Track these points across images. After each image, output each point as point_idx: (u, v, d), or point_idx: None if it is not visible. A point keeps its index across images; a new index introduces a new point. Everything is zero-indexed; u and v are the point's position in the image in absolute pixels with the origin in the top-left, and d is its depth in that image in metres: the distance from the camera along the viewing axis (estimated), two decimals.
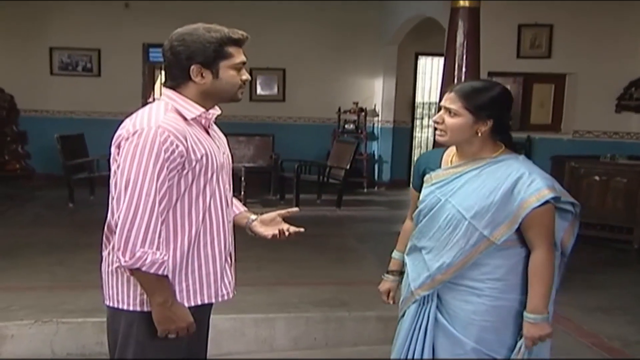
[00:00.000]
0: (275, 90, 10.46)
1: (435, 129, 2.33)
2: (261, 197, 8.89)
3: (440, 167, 2.40)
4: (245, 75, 2.11)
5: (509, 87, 7.49)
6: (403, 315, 2.47)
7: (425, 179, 2.42)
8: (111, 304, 2.09)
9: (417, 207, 2.45)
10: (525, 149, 7.56)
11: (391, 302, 2.66)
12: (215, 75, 2.04)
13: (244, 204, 8.24)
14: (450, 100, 2.25)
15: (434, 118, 2.32)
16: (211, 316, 4.02)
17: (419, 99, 10.92)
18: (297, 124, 10.50)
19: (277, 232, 2.37)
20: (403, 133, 10.58)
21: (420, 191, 2.45)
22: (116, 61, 9.72)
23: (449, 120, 2.25)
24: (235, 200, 2.46)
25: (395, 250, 2.69)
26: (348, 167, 8.56)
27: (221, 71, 2.04)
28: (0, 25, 9.60)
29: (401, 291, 2.54)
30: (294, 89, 10.41)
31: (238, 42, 2.06)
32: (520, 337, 2.27)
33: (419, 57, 10.70)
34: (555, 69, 7.90)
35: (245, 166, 8.55)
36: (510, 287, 2.28)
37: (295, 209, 2.47)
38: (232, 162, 2.33)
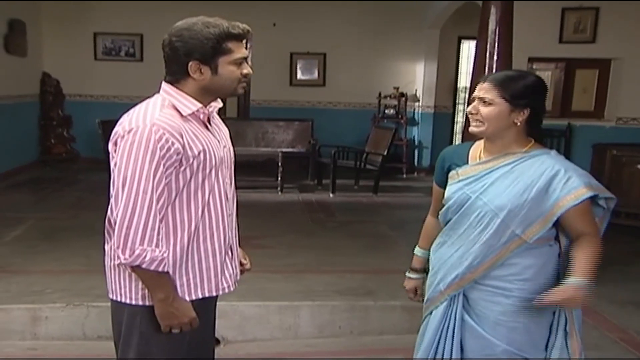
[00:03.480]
0: (316, 74, 10.45)
1: (468, 120, 2.28)
2: (299, 182, 8.94)
3: (467, 162, 2.33)
4: (246, 69, 2.08)
5: (550, 73, 7.27)
6: (430, 313, 2.42)
7: (450, 175, 2.36)
8: (114, 298, 2.12)
9: (441, 204, 2.40)
10: (565, 137, 7.38)
11: (420, 299, 2.59)
12: (214, 71, 2.02)
13: (281, 190, 8.24)
14: (485, 90, 2.20)
15: (468, 109, 2.25)
16: (237, 303, 4.10)
17: (461, 83, 10.76)
18: (337, 109, 10.48)
19: None
20: (444, 118, 10.46)
21: (444, 187, 2.40)
22: (158, 46, 9.66)
23: (484, 109, 2.19)
24: None
25: (417, 247, 2.63)
26: (386, 153, 8.52)
27: (220, 67, 2.02)
28: (46, 12, 9.81)
29: (425, 289, 2.49)
30: (334, 74, 10.38)
31: (238, 37, 2.03)
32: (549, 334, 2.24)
33: (462, 41, 10.53)
34: (600, 54, 7.65)
35: (283, 151, 8.60)
36: (539, 287, 2.21)
37: (248, 267, 2.42)
38: (233, 154, 2.28)
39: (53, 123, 9.82)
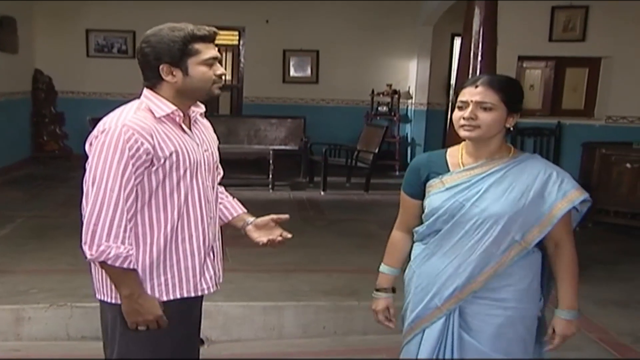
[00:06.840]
0: (309, 72, 10.47)
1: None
2: (291, 180, 8.95)
3: (448, 170, 2.24)
4: (220, 70, 2.13)
5: (540, 71, 7.29)
6: (422, 332, 2.28)
7: (432, 184, 2.25)
8: (98, 297, 2.18)
9: (414, 217, 2.37)
10: (555, 135, 7.39)
11: (391, 323, 2.45)
12: (185, 72, 2.07)
13: (272, 187, 8.20)
14: (484, 94, 2.11)
15: (466, 115, 2.12)
16: (221, 303, 4.11)
17: (454, 80, 10.75)
18: (330, 106, 10.49)
19: (267, 240, 2.37)
20: (437, 115, 10.43)
21: (419, 198, 2.32)
22: None
23: (485, 115, 2.11)
24: (235, 201, 2.51)
25: (384, 265, 2.48)
26: (377, 151, 8.53)
27: (190, 68, 2.07)
28: (38, 9, 9.79)
29: (406, 310, 2.37)
30: (327, 71, 10.40)
31: (205, 39, 2.09)
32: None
33: (455, 38, 10.52)
34: (590, 53, 7.66)
35: (275, 149, 8.61)
36: (531, 296, 2.22)
37: (286, 215, 2.43)
38: (217, 158, 2.33)
39: (45, 120, 9.82)
